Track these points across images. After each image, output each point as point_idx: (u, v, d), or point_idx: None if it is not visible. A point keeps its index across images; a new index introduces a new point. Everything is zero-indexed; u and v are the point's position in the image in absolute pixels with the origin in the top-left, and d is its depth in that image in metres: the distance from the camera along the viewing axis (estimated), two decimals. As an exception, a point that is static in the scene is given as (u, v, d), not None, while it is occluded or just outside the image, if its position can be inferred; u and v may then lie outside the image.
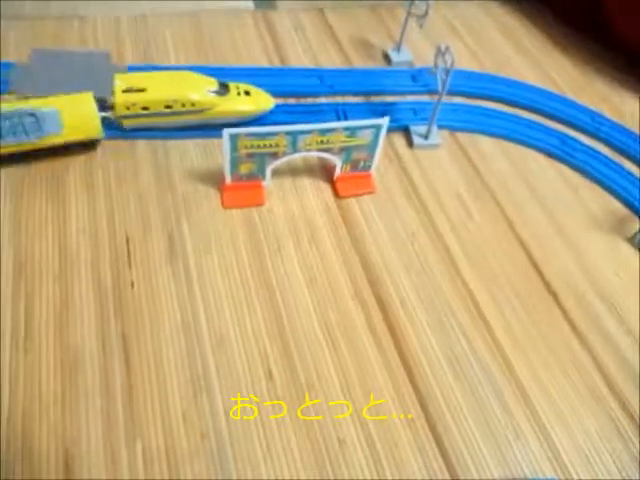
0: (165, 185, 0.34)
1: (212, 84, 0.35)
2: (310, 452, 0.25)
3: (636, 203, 0.38)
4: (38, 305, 0.28)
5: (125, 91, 0.34)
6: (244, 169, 0.33)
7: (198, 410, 0.26)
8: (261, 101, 0.37)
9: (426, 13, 0.40)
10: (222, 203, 0.33)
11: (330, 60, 0.45)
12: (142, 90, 0.34)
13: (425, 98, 0.42)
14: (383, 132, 0.33)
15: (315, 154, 0.33)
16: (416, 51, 0.46)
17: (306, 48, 0.46)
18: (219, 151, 0.34)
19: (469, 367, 0.29)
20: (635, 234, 0.36)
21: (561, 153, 0.40)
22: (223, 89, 0.35)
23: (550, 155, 0.40)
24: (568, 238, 0.36)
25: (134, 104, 0.34)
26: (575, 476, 0.26)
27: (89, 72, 0.37)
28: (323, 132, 0.32)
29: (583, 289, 0.34)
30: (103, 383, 0.26)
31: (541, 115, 0.43)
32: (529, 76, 0.47)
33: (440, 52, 0.35)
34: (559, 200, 0.38)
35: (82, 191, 0.33)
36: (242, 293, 0.30)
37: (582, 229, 0.37)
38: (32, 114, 0.32)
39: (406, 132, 0.40)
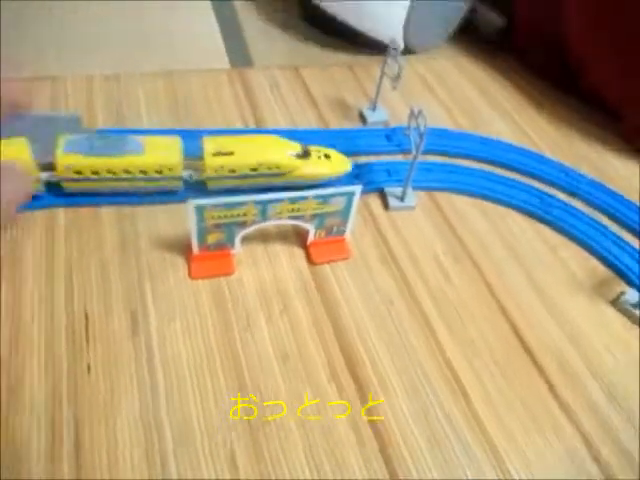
0: (130, 253, 0.33)
1: (295, 148, 0.36)
2: None
3: (616, 262, 0.37)
4: (-16, 392, 0.26)
5: (215, 154, 0.34)
6: (212, 239, 0.31)
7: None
8: (339, 164, 0.37)
9: (399, 75, 0.40)
10: (189, 274, 0.32)
11: (306, 120, 0.44)
12: (230, 153, 0.34)
13: (400, 158, 0.42)
14: (356, 198, 0.32)
15: (286, 222, 0.32)
16: (392, 109, 0.46)
17: (282, 108, 0.45)
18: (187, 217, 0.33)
19: (446, 440, 0.27)
20: (618, 296, 0.35)
21: (540, 212, 0.40)
22: (305, 153, 0.36)
23: (528, 214, 0.40)
24: (549, 300, 0.35)
25: (222, 167, 0.34)
26: None
27: (52, 135, 0.36)
28: (293, 200, 0.31)
29: (566, 355, 0.32)
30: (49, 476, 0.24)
31: (518, 173, 0.43)
32: (505, 133, 0.47)
33: (413, 115, 0.35)
34: (539, 260, 0.37)
35: (41, 261, 0.31)
36: (207, 374, 0.28)
37: (563, 290, 0.36)
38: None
39: (381, 193, 0.39)
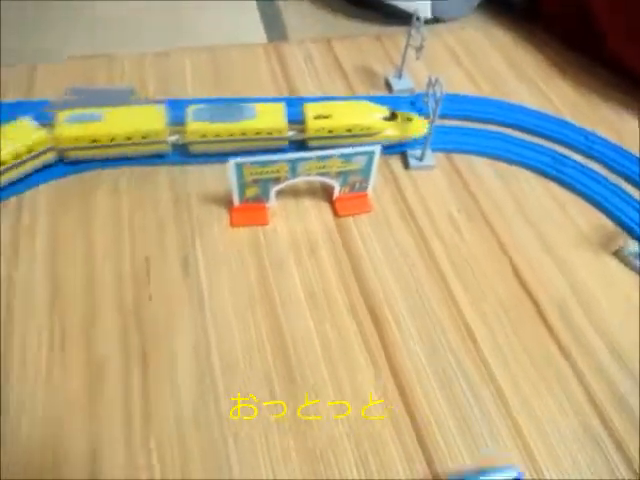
0: (183, 207, 0.38)
1: (384, 112, 0.41)
2: (304, 449, 0.28)
3: (622, 217, 0.40)
4: (70, 318, 0.32)
5: (315, 118, 0.40)
6: (249, 193, 0.36)
7: (207, 413, 0.29)
8: (419, 127, 0.42)
9: (422, 46, 0.43)
10: (230, 223, 0.37)
11: (335, 89, 0.48)
12: (328, 117, 0.40)
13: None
14: (376, 157, 0.36)
15: (314, 178, 0.37)
16: (417, 78, 0.49)
17: (314, 79, 0.49)
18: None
19: (456, 382, 0.31)
20: (621, 248, 0.38)
21: (552, 170, 0.42)
22: (392, 116, 0.41)
23: (541, 173, 0.43)
24: (555, 254, 0.38)
25: (322, 128, 0.40)
26: (547, 474, 0.28)
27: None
28: (320, 159, 0.35)
29: (568, 302, 0.36)
30: (123, 390, 0.30)
31: (536, 136, 0.45)
32: (528, 99, 0.49)
33: (431, 83, 0.38)
34: (548, 217, 0.40)
35: (107, 209, 0.37)
36: (247, 306, 0.33)
37: (569, 244, 0.39)
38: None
39: (403, 155, 0.43)
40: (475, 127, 0.46)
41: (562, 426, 0.30)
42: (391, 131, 0.41)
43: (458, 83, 0.50)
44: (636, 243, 0.37)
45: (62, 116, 0.38)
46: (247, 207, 0.37)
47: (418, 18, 0.43)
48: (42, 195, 0.38)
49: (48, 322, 0.32)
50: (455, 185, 0.42)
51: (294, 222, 0.38)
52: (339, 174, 0.37)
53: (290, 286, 0.35)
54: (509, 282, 0.36)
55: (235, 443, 0.28)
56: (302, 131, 0.40)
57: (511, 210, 0.40)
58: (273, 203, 0.38)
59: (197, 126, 0.39)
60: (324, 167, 0.36)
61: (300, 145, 0.42)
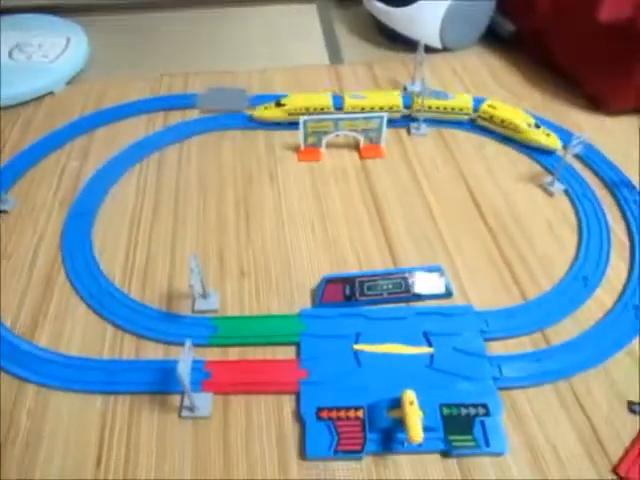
0: (270, 150, 0.65)
1: (530, 120, 0.64)
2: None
3: (548, 165, 0.62)
4: (210, 198, 0.60)
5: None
6: (310, 140, 0.63)
7: (279, 240, 0.55)
8: (554, 141, 0.63)
9: (421, 64, 0.69)
10: (298, 158, 0.63)
11: (370, 91, 0.75)
12: (496, 108, 0.66)
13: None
14: (384, 121, 0.61)
15: (348, 133, 0.62)
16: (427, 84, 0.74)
17: (356, 87, 0.76)
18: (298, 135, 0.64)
19: (420, 236, 0.55)
20: (544, 182, 0.60)
21: (507, 139, 0.65)
22: (536, 125, 0.64)
23: (502, 141, 0.66)
24: (499, 184, 0.61)
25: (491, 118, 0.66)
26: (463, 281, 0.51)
27: (234, 97, 0.71)
28: (352, 119, 0.61)
29: (502, 211, 0.58)
30: (234, 224, 0.56)
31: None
32: (502, 98, 0.72)
33: (422, 87, 0.63)
34: (500, 165, 0.63)
35: (230, 150, 0.65)
36: (304, 199, 0.59)
37: (510, 179, 0.61)
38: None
39: (407, 127, 0.68)
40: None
41: (476, 255, 0.53)
42: (535, 136, 0.63)
43: (454, 89, 0.74)
44: (552, 177, 0.59)
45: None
46: (308, 150, 0.64)
47: (421, 47, 0.69)
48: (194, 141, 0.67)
49: (197, 198, 0.59)
50: (439, 146, 0.66)
51: (335, 160, 0.64)
52: (363, 130, 0.62)
53: (329, 193, 0.60)
54: (464, 197, 0.60)
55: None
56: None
57: (476, 159, 0.64)
58: (323, 148, 0.64)
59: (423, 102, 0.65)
60: (353, 125, 0.61)
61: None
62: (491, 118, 0.65)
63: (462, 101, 0.66)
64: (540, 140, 0.63)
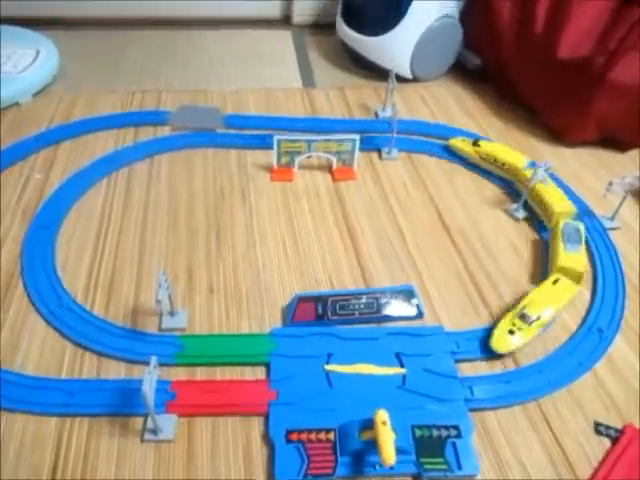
0: (243, 168, 0.65)
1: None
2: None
3: (512, 193, 0.64)
4: (178, 212, 0.59)
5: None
6: (283, 160, 0.63)
7: (249, 259, 0.54)
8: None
9: (391, 91, 0.71)
10: (271, 178, 0.63)
11: (341, 115, 0.76)
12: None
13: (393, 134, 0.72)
14: (357, 143, 0.62)
15: (320, 154, 0.63)
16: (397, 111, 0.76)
17: (329, 109, 0.77)
18: (271, 155, 0.64)
19: (389, 253, 0.56)
20: (508, 208, 0.62)
21: (474, 165, 0.67)
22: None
23: (466, 167, 0.67)
24: (467, 207, 0.62)
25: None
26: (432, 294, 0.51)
27: (208, 115, 0.71)
28: (324, 141, 0.61)
29: (468, 232, 0.59)
30: (206, 240, 0.55)
31: (468, 147, 0.71)
32: (468, 125, 0.75)
33: (392, 113, 0.65)
34: (467, 190, 0.65)
35: (202, 166, 0.64)
36: (275, 216, 0.59)
37: (477, 203, 0.63)
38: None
39: (379, 151, 0.69)
40: (427, 140, 0.72)
41: (445, 276, 0.53)
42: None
43: (423, 116, 0.76)
44: (517, 205, 0.61)
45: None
46: (281, 170, 0.64)
47: (391, 76, 0.70)
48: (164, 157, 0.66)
49: (167, 214, 0.58)
50: (409, 169, 0.67)
51: (308, 180, 0.64)
52: (335, 153, 0.63)
53: (302, 212, 0.60)
54: (433, 218, 0.61)
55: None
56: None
57: (444, 183, 0.65)
58: (296, 169, 0.64)
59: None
60: (326, 147, 0.62)
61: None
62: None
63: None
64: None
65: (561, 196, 0.60)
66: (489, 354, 0.47)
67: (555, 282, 0.51)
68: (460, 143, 0.68)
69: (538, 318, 0.47)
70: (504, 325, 0.47)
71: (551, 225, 0.58)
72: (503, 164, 0.65)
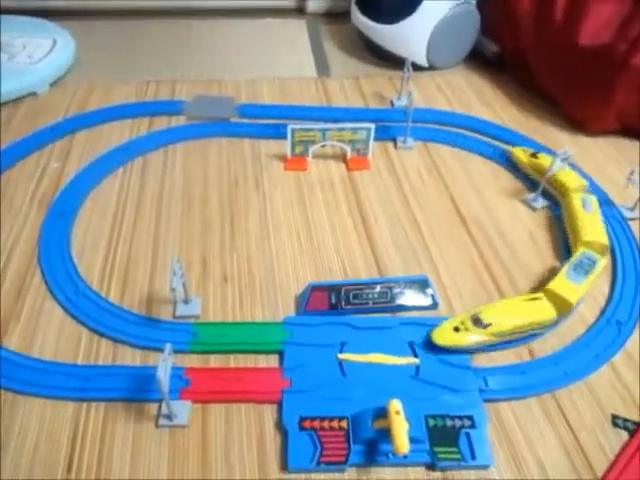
0: (257, 158, 0.65)
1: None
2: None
3: (531, 184, 0.62)
4: (194, 202, 0.59)
5: None
6: (297, 149, 0.62)
7: (263, 248, 0.54)
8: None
9: (407, 81, 0.70)
10: (284, 167, 0.63)
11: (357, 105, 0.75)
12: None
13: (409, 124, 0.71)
14: (372, 132, 0.61)
15: (335, 143, 0.62)
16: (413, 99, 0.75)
17: (343, 99, 0.76)
18: (285, 144, 0.64)
19: (403, 242, 0.55)
20: (526, 198, 0.61)
21: (491, 155, 0.66)
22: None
23: (482, 156, 0.66)
24: (482, 196, 0.61)
25: None
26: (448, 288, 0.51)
27: (222, 105, 0.70)
28: (338, 130, 0.61)
29: (483, 221, 0.58)
30: (218, 230, 0.55)
31: (483, 134, 0.70)
32: (484, 115, 0.74)
33: (408, 102, 0.64)
34: (482, 177, 0.64)
35: (217, 156, 0.64)
36: (289, 206, 0.59)
37: (494, 193, 0.62)
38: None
39: (394, 140, 0.68)
40: (442, 128, 0.71)
41: (460, 265, 0.53)
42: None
43: (439, 105, 0.75)
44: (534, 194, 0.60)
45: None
46: (295, 159, 0.63)
47: (407, 65, 0.69)
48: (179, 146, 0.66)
49: (181, 203, 0.58)
50: (424, 158, 0.66)
51: (322, 170, 0.64)
52: (350, 142, 0.62)
53: (316, 202, 0.60)
54: (448, 207, 0.60)
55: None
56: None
57: (459, 172, 0.64)
58: (310, 158, 0.63)
59: None
60: (341, 136, 0.61)
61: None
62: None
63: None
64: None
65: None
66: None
67: (533, 299, 0.48)
68: (521, 153, 0.64)
69: (490, 325, 0.45)
70: (454, 321, 0.46)
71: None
72: (556, 182, 0.59)
